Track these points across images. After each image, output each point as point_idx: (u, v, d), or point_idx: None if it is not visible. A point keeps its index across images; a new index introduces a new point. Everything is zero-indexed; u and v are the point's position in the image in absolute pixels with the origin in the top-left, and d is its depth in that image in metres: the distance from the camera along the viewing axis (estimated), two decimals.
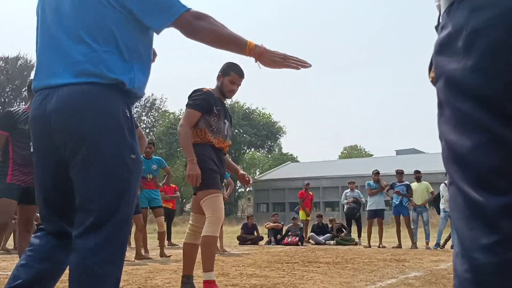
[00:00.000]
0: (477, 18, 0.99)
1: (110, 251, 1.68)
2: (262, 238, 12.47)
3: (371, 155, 53.03)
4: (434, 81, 1.14)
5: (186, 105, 3.65)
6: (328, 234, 12.02)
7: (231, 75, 3.72)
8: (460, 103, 1.02)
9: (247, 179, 4.08)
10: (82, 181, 1.71)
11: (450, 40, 1.05)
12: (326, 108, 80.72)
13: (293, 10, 79.68)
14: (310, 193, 13.12)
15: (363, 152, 57.80)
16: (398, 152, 42.76)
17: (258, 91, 73.70)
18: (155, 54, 2.19)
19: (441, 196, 9.95)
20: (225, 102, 3.89)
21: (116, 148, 1.73)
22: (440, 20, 1.13)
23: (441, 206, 9.91)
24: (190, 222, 3.77)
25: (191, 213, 3.85)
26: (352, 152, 57.87)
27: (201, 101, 3.60)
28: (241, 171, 4.17)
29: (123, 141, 1.75)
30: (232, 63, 3.77)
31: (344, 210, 12.15)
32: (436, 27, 1.16)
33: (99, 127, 1.71)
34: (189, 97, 3.69)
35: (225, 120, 3.75)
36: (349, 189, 12.01)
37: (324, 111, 79.60)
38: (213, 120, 3.63)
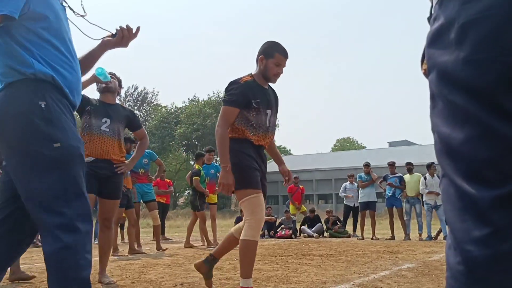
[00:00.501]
0: (469, 9, 0.99)
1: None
2: None
3: (364, 147, 53.26)
4: (426, 73, 1.14)
5: (223, 101, 3.31)
6: (318, 224, 12.06)
7: (275, 57, 3.31)
8: (452, 95, 1.02)
9: (286, 178, 3.73)
10: (17, 186, 1.86)
11: (442, 32, 1.05)
12: (318, 100, 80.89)
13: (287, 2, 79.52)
14: (300, 186, 13.13)
15: (356, 144, 58.02)
16: (391, 144, 42.99)
17: None
18: (129, 30, 2.22)
19: (420, 189, 10.01)
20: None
21: (26, 145, 1.81)
22: (432, 12, 1.13)
23: (424, 199, 9.99)
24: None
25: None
26: (345, 144, 58.07)
27: (238, 96, 3.23)
28: (284, 167, 3.76)
29: (35, 134, 1.81)
30: (274, 42, 3.38)
31: (344, 202, 12.03)
32: (429, 19, 1.15)
33: (4, 129, 1.81)
34: (226, 90, 3.33)
35: (267, 111, 3.35)
36: (348, 182, 11.93)
37: (316, 104, 79.76)
38: (252, 115, 3.27)
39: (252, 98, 3.26)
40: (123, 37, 2.21)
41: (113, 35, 2.21)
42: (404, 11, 75.89)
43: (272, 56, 3.30)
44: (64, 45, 1.94)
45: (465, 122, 1.00)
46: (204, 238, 8.52)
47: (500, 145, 0.98)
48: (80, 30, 2.15)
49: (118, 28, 2.20)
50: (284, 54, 3.34)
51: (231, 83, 3.30)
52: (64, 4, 2.08)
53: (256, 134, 3.27)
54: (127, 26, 2.21)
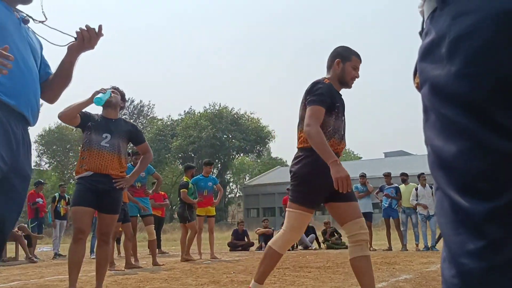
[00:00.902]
0: (460, 24, 1.00)
1: None
2: (252, 244, 12.45)
3: (360, 158, 53.29)
4: (419, 87, 1.15)
5: (309, 102, 3.07)
6: (311, 235, 12.06)
7: (352, 60, 3.18)
8: (444, 109, 1.03)
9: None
10: None
11: (433, 47, 1.06)
12: None
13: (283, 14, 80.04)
14: None
15: (352, 155, 58.07)
16: (387, 155, 43.03)
17: (246, 95, 73.83)
18: (89, 30, 2.10)
19: (411, 199, 10.06)
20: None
21: None
22: (424, 26, 1.15)
23: (417, 209, 10.04)
24: (347, 234, 3.18)
25: (341, 227, 3.21)
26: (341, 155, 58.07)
27: (325, 96, 3.05)
28: None
29: None
30: (347, 46, 3.26)
31: None
32: (420, 33, 1.17)
33: None
34: (310, 91, 3.11)
35: (343, 117, 3.22)
36: None
37: None
38: (332, 119, 3.12)
39: (335, 101, 3.14)
40: (83, 39, 2.11)
41: (75, 39, 2.11)
42: (398, 23, 76.59)
43: (349, 59, 3.19)
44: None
45: (458, 135, 1.01)
46: (197, 251, 8.48)
47: (492, 158, 0.99)
48: (44, 38, 2.09)
49: (78, 30, 2.10)
50: (359, 57, 3.24)
51: (316, 83, 3.13)
52: (21, 15, 2.03)
53: (331, 140, 3.10)
54: (86, 26, 2.13)
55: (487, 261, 0.97)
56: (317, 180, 3.05)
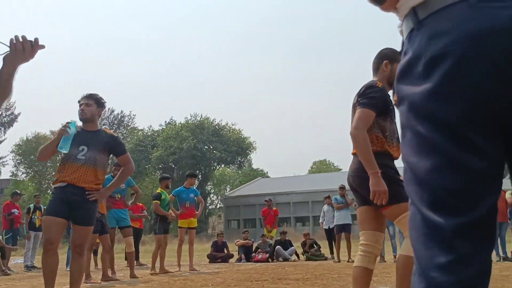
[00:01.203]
0: (435, 44, 1.03)
1: None
2: (232, 256, 12.39)
3: (340, 170, 53.61)
4: (397, 105, 1.18)
5: (360, 104, 2.97)
6: (291, 248, 12.06)
7: (399, 60, 3.16)
8: (419, 126, 1.06)
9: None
10: None
11: (410, 66, 1.09)
12: (295, 123, 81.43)
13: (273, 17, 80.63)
14: (274, 209, 13.05)
15: (332, 167, 58.39)
16: None
17: (227, 106, 73.79)
18: (24, 42, 1.98)
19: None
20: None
21: None
22: (403, 46, 1.18)
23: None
24: (361, 241, 3.07)
25: (360, 231, 3.12)
26: (321, 167, 58.37)
27: (377, 100, 2.94)
28: None
29: None
30: (393, 48, 3.20)
31: (323, 226, 11.70)
32: (401, 52, 1.20)
33: None
34: (362, 94, 3.01)
35: (395, 120, 3.09)
36: (326, 204, 11.71)
37: (293, 126, 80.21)
38: (388, 122, 3.03)
39: (389, 104, 3.04)
40: (16, 49, 1.99)
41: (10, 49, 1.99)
42: (379, 33, 77.80)
43: (397, 59, 3.07)
44: None
45: (431, 152, 1.04)
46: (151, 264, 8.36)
47: (464, 175, 1.02)
48: None
49: (13, 40, 1.98)
50: None
51: (369, 87, 3.01)
52: None
53: (391, 145, 3.02)
54: (22, 37, 2.00)
55: (456, 275, 0.99)
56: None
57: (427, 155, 1.05)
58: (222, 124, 45.73)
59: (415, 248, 1.08)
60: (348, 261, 10.26)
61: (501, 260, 9.74)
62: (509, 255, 10.01)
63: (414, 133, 1.08)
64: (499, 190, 1.08)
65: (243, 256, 12.01)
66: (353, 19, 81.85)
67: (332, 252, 11.70)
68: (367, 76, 3.31)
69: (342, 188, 11.02)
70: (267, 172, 54.71)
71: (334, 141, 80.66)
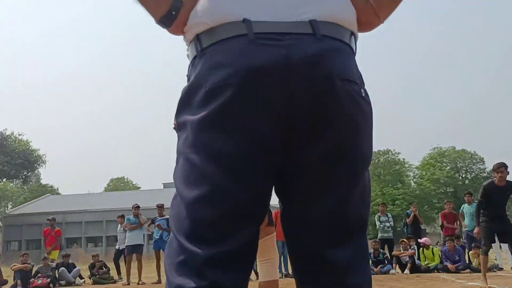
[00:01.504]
0: (214, 76, 1.04)
1: None
2: (6, 282, 10.99)
3: (139, 188, 52.90)
4: (176, 129, 1.17)
5: None
6: (75, 269, 11.36)
7: None
8: (191, 154, 1.07)
9: None
10: None
11: (192, 92, 1.09)
12: (91, 138, 77.26)
13: None
14: (56, 229, 12.17)
15: (131, 185, 57.23)
16: (166, 185, 43.66)
17: (14, 114, 66.26)
18: None
19: None
20: None
21: None
22: (188, 71, 1.17)
23: None
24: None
25: None
26: (119, 185, 56.73)
27: None
28: None
29: None
30: None
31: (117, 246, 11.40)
32: (187, 76, 1.19)
33: None
34: None
35: None
36: (120, 225, 11.37)
37: (88, 142, 75.94)
38: None
39: None
40: None
41: None
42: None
43: None
44: None
45: (199, 182, 1.06)
46: None
47: (225, 206, 1.05)
48: None
49: None
50: None
51: None
52: None
53: None
54: None
55: None
56: None
57: (194, 184, 1.07)
58: (7, 134, 41.21)
59: (168, 274, 1.10)
60: (138, 283, 10.01)
61: (283, 277, 10.63)
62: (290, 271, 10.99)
63: (186, 161, 1.09)
64: (261, 221, 1.13)
65: (19, 282, 10.72)
66: None
67: (119, 273, 11.32)
68: None
69: (136, 207, 10.79)
70: (57, 189, 51.02)
71: (133, 158, 79.22)
